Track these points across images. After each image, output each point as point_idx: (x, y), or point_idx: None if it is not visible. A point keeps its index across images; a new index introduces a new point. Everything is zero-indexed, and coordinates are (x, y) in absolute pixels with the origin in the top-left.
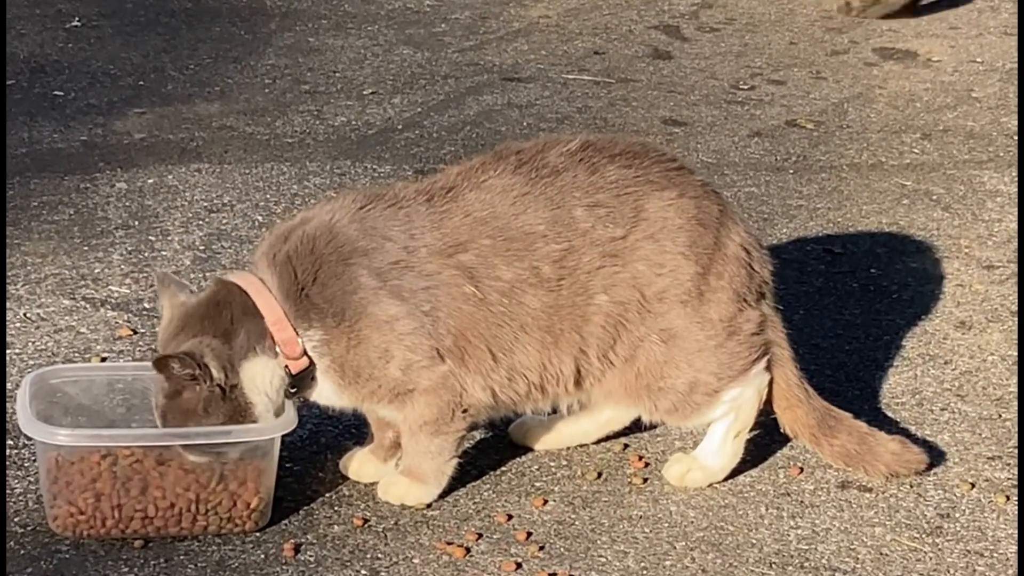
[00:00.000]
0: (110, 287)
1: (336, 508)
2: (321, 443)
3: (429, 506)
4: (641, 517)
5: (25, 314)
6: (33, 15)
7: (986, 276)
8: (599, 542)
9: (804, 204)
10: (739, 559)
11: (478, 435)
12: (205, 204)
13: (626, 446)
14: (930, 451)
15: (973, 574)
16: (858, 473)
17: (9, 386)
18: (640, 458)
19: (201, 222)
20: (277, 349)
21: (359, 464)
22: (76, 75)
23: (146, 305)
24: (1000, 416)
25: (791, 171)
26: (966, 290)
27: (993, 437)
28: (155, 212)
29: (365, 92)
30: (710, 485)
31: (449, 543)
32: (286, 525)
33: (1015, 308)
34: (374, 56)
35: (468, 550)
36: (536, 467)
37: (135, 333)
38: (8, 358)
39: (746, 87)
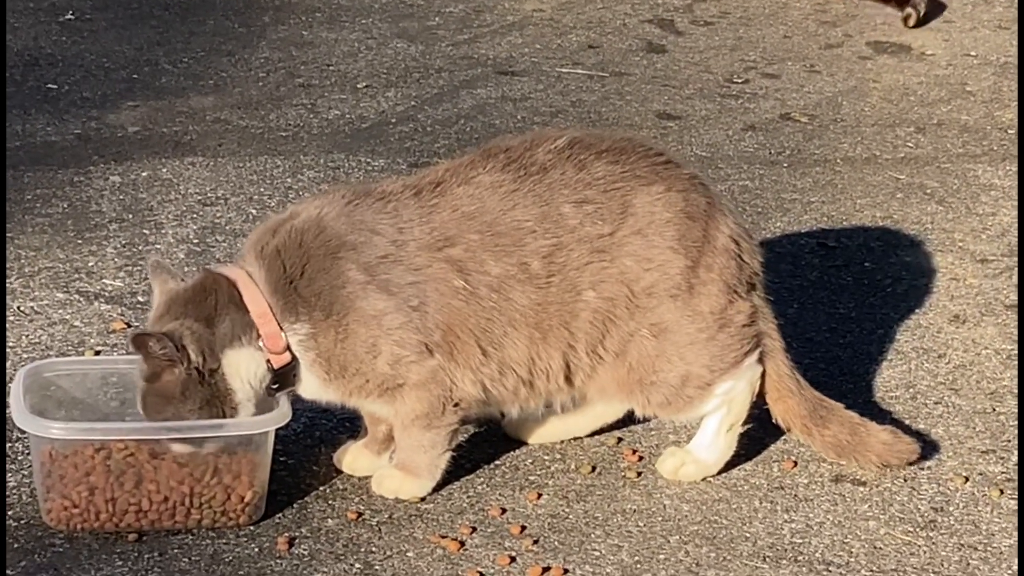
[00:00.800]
0: (104, 280)
1: (330, 502)
2: (315, 437)
3: (423, 499)
4: (635, 511)
5: (19, 307)
6: (27, 8)
7: (980, 270)
8: (593, 536)
9: (798, 198)
10: (733, 553)
11: (472, 429)
12: (199, 197)
13: (620, 440)
14: (924, 445)
15: (967, 568)
16: (851, 465)
17: None
18: (634, 452)
19: (195, 215)
20: (261, 343)
21: (353, 457)
22: (70, 68)
23: (140, 298)
24: (994, 410)
25: (785, 165)
26: (960, 284)
27: (987, 431)
28: (149, 205)
29: (359, 85)
30: (704, 479)
31: (443, 537)
32: (280, 519)
33: (1009, 302)
34: (368, 49)
35: (462, 543)
36: (530, 461)
37: (129, 326)
38: None
39: (740, 81)
